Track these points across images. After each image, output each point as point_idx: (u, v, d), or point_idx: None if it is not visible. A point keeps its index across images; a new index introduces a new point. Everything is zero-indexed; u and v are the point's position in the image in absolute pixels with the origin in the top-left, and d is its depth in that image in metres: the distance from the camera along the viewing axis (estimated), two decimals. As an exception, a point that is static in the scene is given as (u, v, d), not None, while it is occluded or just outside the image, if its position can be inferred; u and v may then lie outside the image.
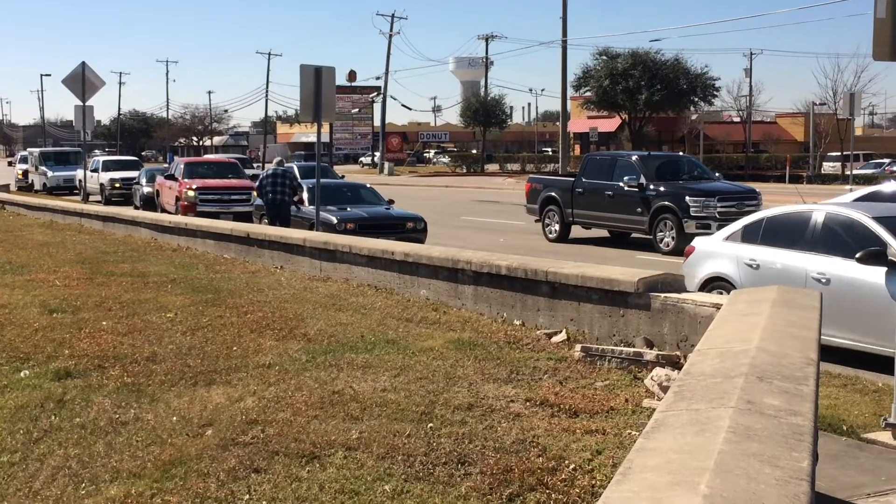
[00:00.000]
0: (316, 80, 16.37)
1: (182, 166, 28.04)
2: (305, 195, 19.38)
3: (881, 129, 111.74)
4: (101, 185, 38.03)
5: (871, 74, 60.00)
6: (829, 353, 8.56)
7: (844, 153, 53.33)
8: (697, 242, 11.81)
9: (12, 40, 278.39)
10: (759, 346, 4.58)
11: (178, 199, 25.95)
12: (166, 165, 48.59)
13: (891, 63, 7.35)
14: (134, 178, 37.17)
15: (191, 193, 25.34)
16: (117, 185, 37.35)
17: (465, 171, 75.81)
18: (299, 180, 20.52)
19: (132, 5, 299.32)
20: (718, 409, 3.50)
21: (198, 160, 32.74)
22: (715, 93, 64.61)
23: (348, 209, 18.63)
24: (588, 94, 64.98)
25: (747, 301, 6.36)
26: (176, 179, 26.95)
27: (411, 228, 18.21)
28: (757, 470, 2.86)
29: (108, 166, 40.07)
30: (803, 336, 5.04)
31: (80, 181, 38.13)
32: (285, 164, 20.83)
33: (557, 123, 65.96)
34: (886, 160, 59.31)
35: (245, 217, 22.34)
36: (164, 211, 26.98)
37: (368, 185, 21.97)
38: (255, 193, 21.74)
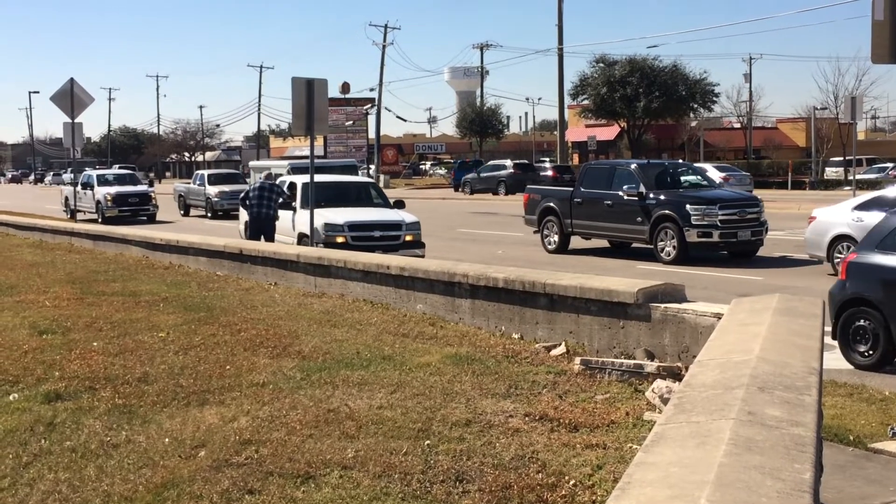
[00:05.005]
0: (308, 92, 16.39)
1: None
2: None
3: (884, 133, 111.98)
4: (98, 202, 36.94)
5: (872, 78, 60.67)
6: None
7: (847, 158, 53.40)
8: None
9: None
10: (760, 356, 4.58)
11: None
12: (191, 184, 43.75)
13: (892, 66, 7.39)
14: (132, 192, 36.05)
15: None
16: (110, 200, 36.34)
17: (461, 182, 75.77)
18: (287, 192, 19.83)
19: (121, 21, 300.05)
20: (719, 421, 3.50)
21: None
22: (714, 99, 64.65)
23: None
24: (585, 102, 65.03)
25: (748, 310, 6.36)
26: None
27: None
28: (758, 482, 2.86)
29: (103, 181, 38.78)
30: (805, 345, 5.04)
31: (66, 199, 37.48)
32: (273, 178, 20.34)
33: (555, 132, 66.12)
34: (889, 164, 59.45)
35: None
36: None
37: None
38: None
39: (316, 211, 17.56)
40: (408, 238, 17.72)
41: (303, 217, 17.68)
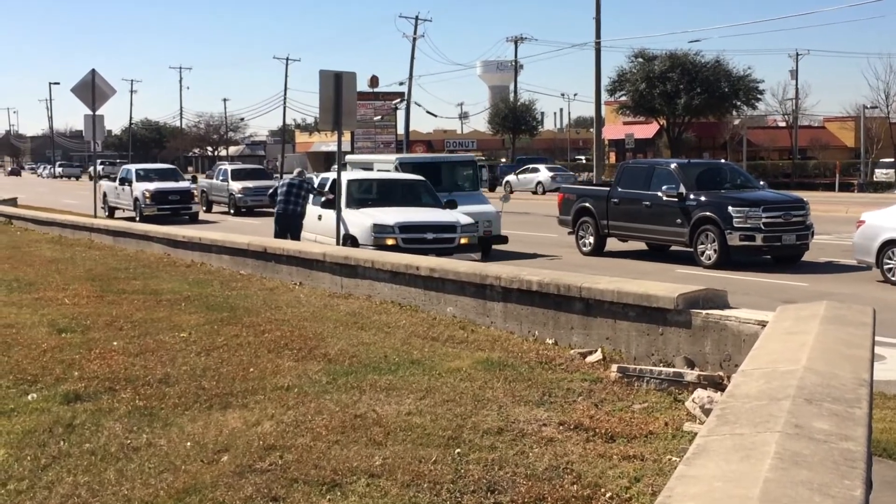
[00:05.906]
0: (336, 86, 16.43)
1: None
2: None
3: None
4: (136, 199, 35.24)
5: (925, 75, 59.55)
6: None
7: (898, 159, 52.94)
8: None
9: (20, 48, 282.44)
10: (807, 365, 4.55)
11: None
12: (213, 179, 42.77)
13: (946, 63, 7.29)
14: (173, 189, 34.78)
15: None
16: (149, 197, 34.54)
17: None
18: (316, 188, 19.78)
19: (143, 11, 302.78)
20: (764, 434, 3.48)
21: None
22: (759, 96, 64.24)
23: None
24: (623, 98, 64.87)
25: (794, 318, 6.32)
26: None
27: None
28: (806, 499, 2.84)
29: (142, 176, 36.76)
30: (855, 355, 5.00)
31: (104, 195, 36.68)
32: (304, 175, 20.36)
33: (591, 130, 65.94)
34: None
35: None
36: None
37: None
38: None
39: (363, 211, 17.29)
40: (463, 241, 17.06)
41: (350, 217, 17.19)
